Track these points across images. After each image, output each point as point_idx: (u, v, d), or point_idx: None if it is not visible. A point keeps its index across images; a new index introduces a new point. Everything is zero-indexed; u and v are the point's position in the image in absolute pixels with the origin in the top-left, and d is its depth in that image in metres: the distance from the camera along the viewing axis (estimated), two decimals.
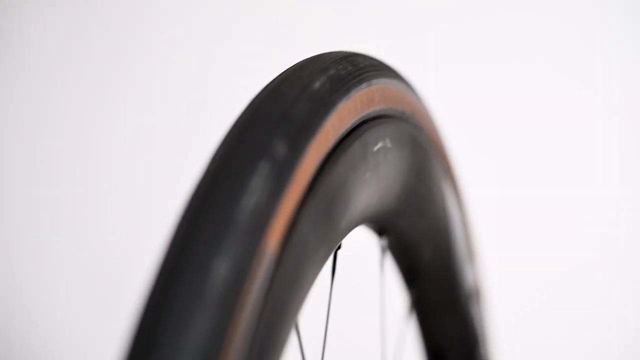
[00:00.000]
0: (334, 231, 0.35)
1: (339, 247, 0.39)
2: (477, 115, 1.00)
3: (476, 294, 0.53)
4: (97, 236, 1.04)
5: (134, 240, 1.03)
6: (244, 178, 0.29)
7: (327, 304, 0.42)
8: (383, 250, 0.47)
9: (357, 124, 0.36)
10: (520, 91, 1.00)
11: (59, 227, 1.05)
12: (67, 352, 1.05)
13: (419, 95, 0.44)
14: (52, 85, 1.04)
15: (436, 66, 0.99)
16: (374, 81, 0.38)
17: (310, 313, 0.45)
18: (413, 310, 0.52)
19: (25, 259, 1.05)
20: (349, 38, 0.99)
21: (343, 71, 0.35)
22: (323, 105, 0.33)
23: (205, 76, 1.03)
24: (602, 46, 0.98)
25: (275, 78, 0.34)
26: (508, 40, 0.99)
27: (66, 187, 1.04)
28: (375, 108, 0.38)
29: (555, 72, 0.99)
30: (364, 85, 0.37)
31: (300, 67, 0.35)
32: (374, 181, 0.38)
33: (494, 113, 1.00)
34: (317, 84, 0.33)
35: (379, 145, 0.38)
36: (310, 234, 0.31)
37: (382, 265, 0.47)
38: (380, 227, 0.46)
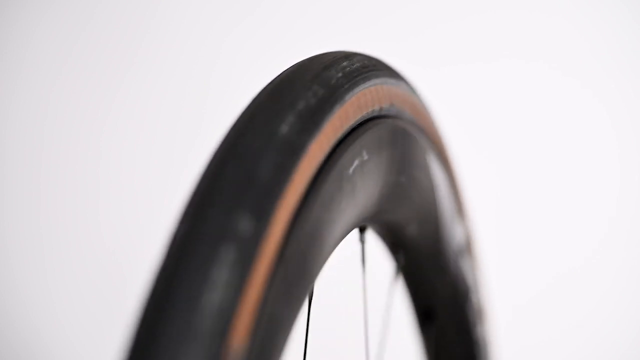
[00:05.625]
0: (310, 275, 0.33)
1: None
2: (476, 115, 1.00)
3: (467, 249, 0.52)
4: (97, 236, 1.04)
5: (134, 240, 1.03)
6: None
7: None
8: (362, 241, 0.45)
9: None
10: (520, 91, 1.00)
11: (59, 227, 1.05)
12: (67, 352, 1.05)
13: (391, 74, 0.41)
14: (52, 85, 1.04)
15: (435, 66, 0.99)
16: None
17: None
18: (400, 274, 0.51)
19: (25, 259, 1.05)
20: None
21: (310, 105, 0.33)
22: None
23: (205, 76, 1.03)
24: (602, 46, 0.98)
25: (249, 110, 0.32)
26: (506, 39, 0.99)
27: (66, 187, 1.04)
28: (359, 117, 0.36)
29: (555, 72, 0.99)
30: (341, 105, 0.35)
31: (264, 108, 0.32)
32: (351, 206, 0.36)
33: (493, 113, 1.00)
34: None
35: (355, 164, 0.36)
36: (281, 303, 0.30)
37: (363, 257, 0.46)
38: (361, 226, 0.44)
